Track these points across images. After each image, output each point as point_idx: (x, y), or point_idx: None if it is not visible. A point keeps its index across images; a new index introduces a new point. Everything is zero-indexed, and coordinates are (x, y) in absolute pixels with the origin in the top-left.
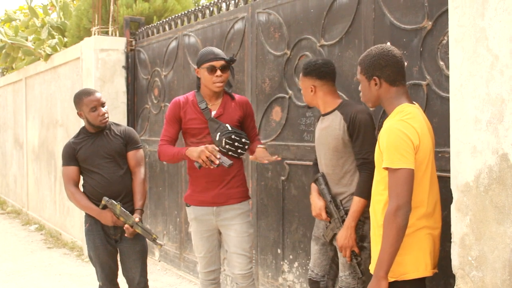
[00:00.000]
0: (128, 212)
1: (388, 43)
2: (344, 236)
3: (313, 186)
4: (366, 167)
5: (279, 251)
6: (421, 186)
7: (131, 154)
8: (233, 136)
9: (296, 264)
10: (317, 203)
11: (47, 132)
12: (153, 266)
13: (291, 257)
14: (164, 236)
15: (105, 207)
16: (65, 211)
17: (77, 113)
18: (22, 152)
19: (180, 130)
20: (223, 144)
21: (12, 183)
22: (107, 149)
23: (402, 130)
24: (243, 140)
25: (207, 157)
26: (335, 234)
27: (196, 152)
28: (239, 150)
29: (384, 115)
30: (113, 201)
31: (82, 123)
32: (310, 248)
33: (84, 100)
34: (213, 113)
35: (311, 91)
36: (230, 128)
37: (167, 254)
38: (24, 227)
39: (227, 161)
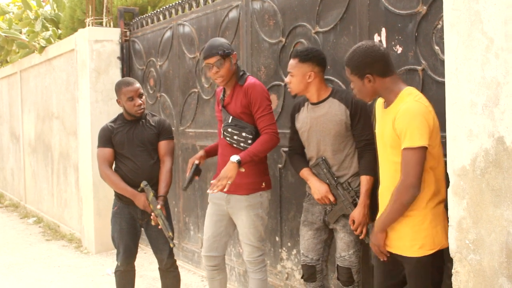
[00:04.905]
0: (157, 203)
1: (381, 35)
2: (362, 213)
3: (309, 172)
4: (369, 147)
5: (277, 238)
6: (441, 162)
7: (162, 144)
8: (229, 129)
9: (294, 252)
10: (320, 187)
11: (43, 125)
12: (151, 256)
13: (289, 244)
14: None
15: (142, 190)
16: (62, 203)
17: (116, 100)
18: (18, 145)
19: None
20: (222, 136)
21: (10, 176)
22: (141, 138)
23: (419, 110)
24: (244, 134)
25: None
26: (341, 215)
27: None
28: (241, 144)
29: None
30: (149, 187)
31: (77, 115)
32: None
33: (123, 89)
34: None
35: (308, 77)
36: (230, 121)
37: None
38: (22, 220)
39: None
